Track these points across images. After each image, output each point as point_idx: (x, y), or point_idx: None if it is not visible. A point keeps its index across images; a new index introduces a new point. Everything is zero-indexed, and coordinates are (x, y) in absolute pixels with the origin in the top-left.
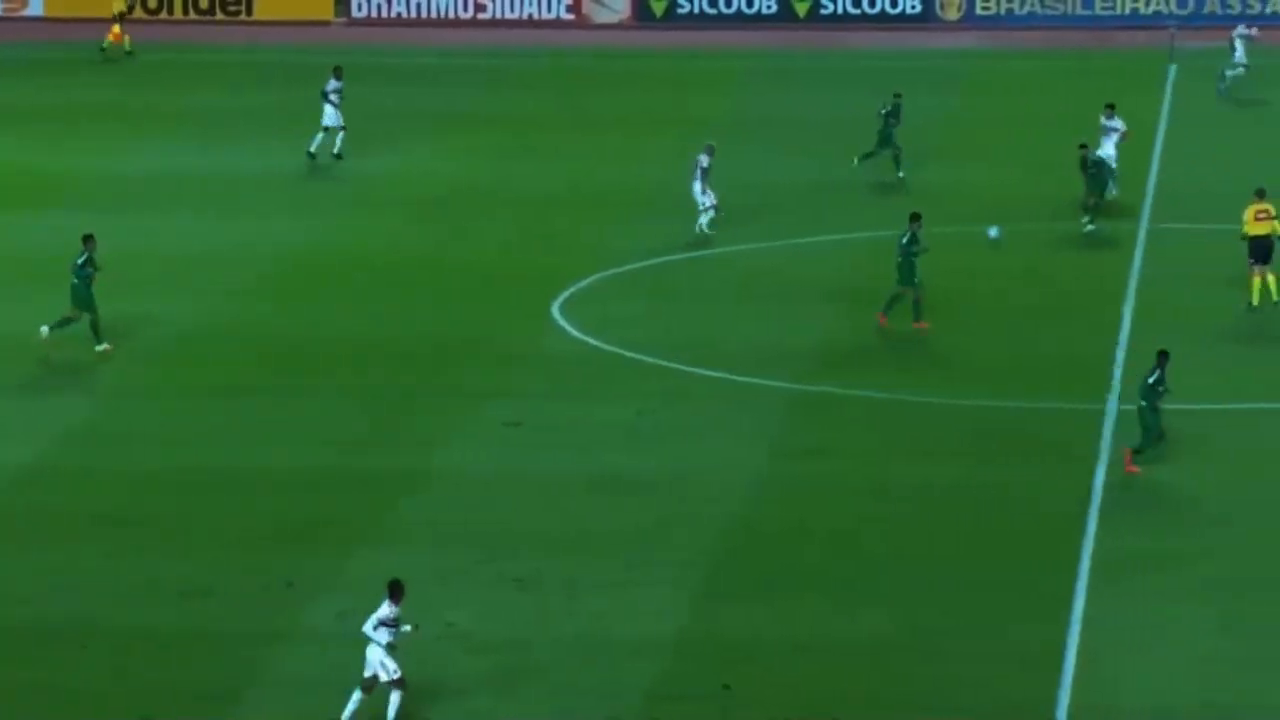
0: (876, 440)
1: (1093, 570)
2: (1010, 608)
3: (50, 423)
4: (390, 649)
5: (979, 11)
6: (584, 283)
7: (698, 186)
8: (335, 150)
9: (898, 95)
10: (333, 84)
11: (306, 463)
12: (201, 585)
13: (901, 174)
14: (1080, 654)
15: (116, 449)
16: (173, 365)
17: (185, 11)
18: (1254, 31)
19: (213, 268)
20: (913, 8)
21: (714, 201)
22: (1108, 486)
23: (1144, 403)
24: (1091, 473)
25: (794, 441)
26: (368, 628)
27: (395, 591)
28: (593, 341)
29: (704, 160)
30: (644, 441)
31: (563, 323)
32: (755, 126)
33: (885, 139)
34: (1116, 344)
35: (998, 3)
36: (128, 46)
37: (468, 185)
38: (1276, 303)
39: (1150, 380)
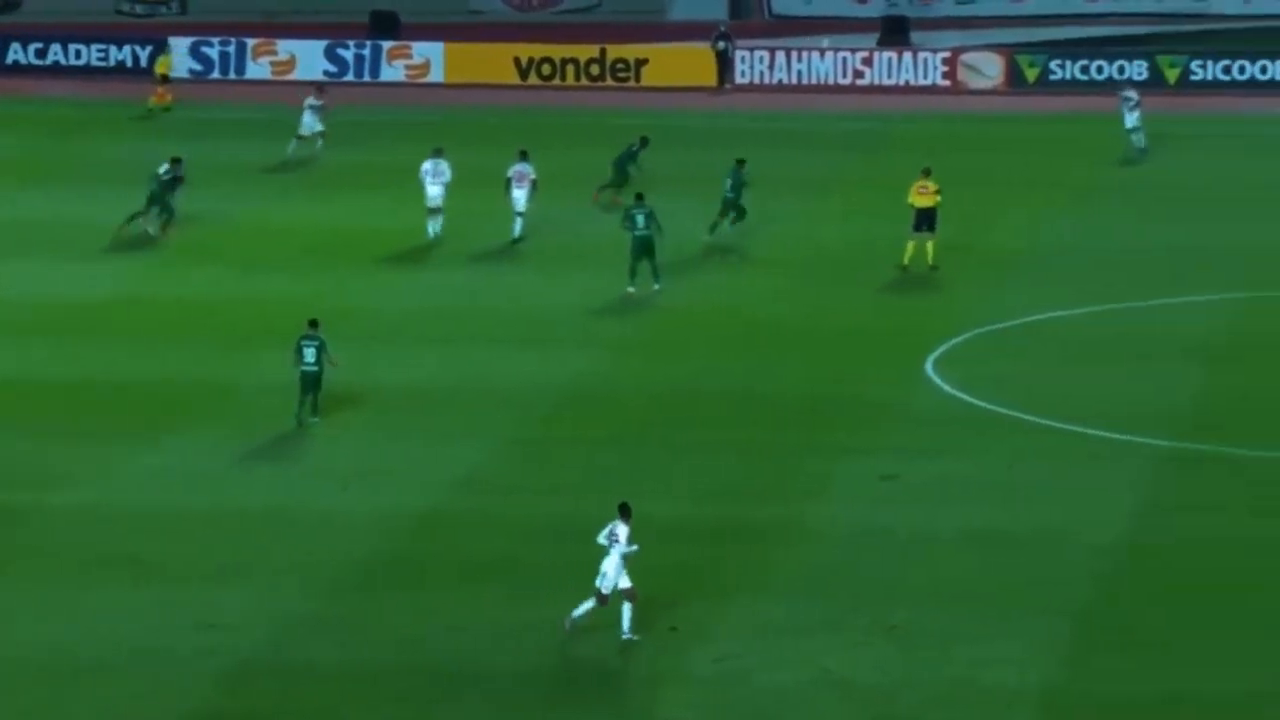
0: (1248, 498)
1: None
2: None
3: (441, 471)
4: (624, 561)
5: None
6: (958, 340)
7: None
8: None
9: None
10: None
11: (683, 512)
12: (580, 628)
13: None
14: None
15: (500, 498)
16: (560, 418)
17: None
18: None
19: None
20: None
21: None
22: None
23: None
24: None
25: (1165, 498)
26: (601, 538)
27: (624, 512)
28: (965, 398)
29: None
30: (1016, 497)
31: (936, 379)
32: (1120, 190)
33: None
34: None
35: None
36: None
37: (843, 244)
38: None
39: None
